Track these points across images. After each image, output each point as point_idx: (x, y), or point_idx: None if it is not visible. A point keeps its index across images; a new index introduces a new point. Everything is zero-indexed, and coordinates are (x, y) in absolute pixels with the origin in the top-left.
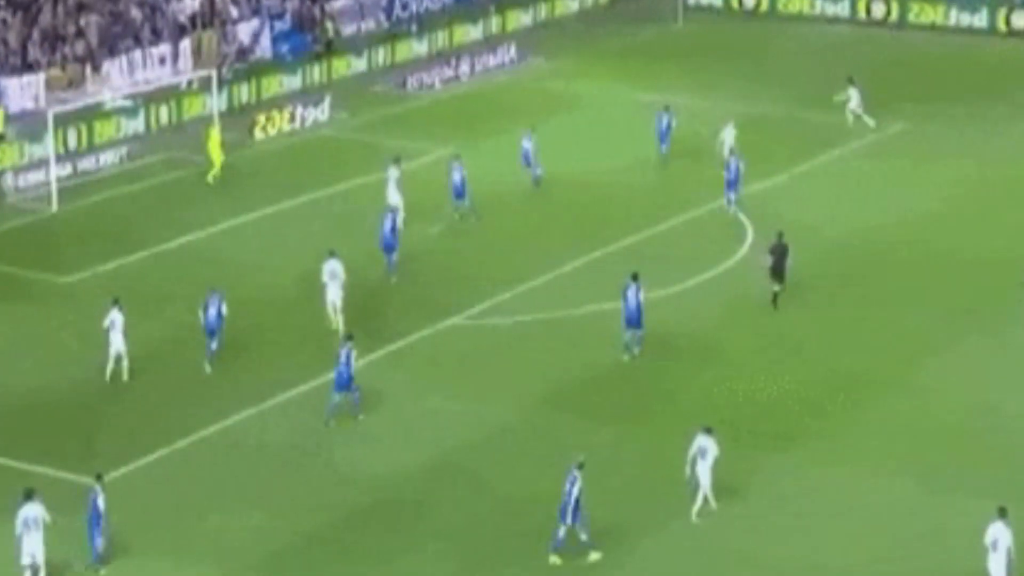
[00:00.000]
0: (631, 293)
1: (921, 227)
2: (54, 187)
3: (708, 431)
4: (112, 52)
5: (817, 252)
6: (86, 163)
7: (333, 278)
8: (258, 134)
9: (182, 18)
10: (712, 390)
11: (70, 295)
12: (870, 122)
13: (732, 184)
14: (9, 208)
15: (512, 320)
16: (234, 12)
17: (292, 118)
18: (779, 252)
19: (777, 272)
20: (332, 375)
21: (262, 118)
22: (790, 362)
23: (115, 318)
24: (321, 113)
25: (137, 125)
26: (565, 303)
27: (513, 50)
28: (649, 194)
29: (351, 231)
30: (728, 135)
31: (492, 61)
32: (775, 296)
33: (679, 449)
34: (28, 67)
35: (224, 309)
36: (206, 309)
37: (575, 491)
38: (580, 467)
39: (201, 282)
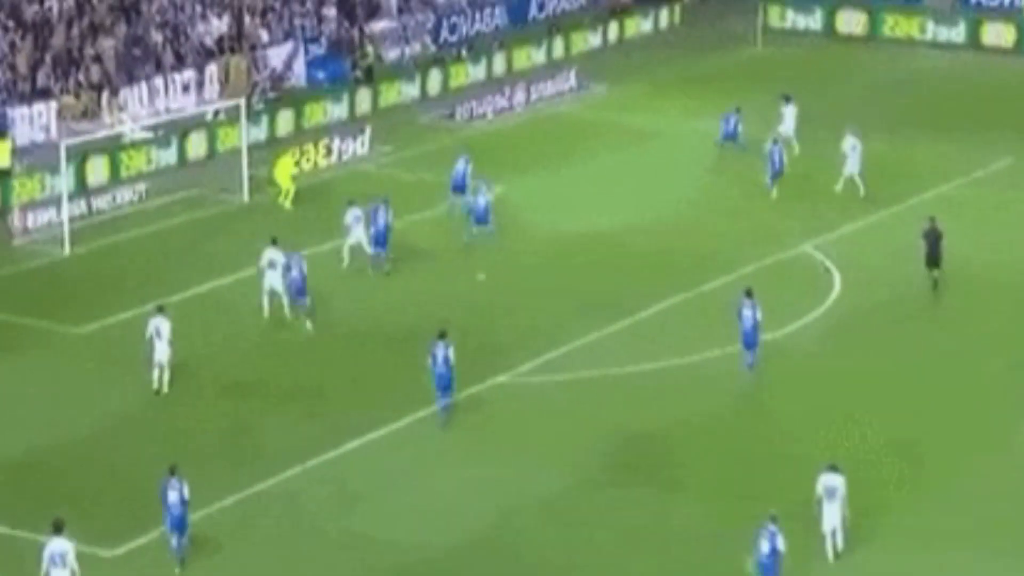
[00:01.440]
0: (747, 311)
1: None
2: (66, 227)
3: (834, 468)
4: (131, 79)
5: (910, 297)
6: (102, 201)
7: (272, 266)
8: (292, 169)
9: (208, 42)
10: (781, 461)
11: (84, 347)
12: (796, 147)
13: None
14: (17, 251)
15: (566, 378)
16: (264, 36)
17: (329, 152)
18: (933, 237)
19: (932, 258)
20: (378, 432)
21: (296, 152)
22: (868, 425)
23: (160, 325)
24: (361, 146)
25: (159, 159)
26: (626, 359)
27: (573, 77)
28: (721, 236)
29: (391, 280)
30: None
31: (550, 89)
32: (935, 283)
33: (750, 519)
34: (39, 95)
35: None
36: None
37: (777, 549)
38: (774, 520)
39: (224, 332)
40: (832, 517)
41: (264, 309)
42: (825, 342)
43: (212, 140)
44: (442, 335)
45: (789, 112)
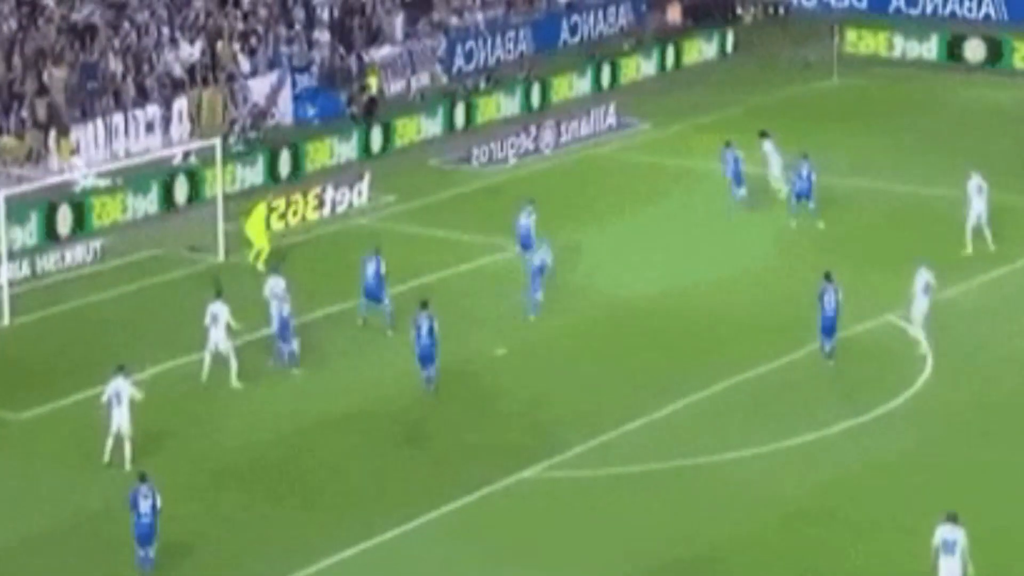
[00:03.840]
0: (828, 297)
1: None
2: (5, 293)
3: (953, 519)
4: (85, 115)
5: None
6: (48, 261)
7: (215, 322)
8: (275, 223)
9: (177, 71)
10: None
11: (27, 436)
12: (783, 190)
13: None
14: None
15: (603, 473)
16: (245, 64)
17: (320, 203)
18: None
19: None
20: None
21: (280, 203)
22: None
23: (120, 388)
24: (358, 196)
25: (116, 212)
26: (674, 452)
27: (612, 113)
28: (789, 301)
29: (394, 351)
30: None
31: (584, 127)
32: None
33: None
34: None
35: None
36: None
37: None
38: None
39: (195, 410)
40: (951, 573)
41: (204, 373)
42: (910, 430)
43: (181, 188)
44: (424, 305)
45: (771, 151)
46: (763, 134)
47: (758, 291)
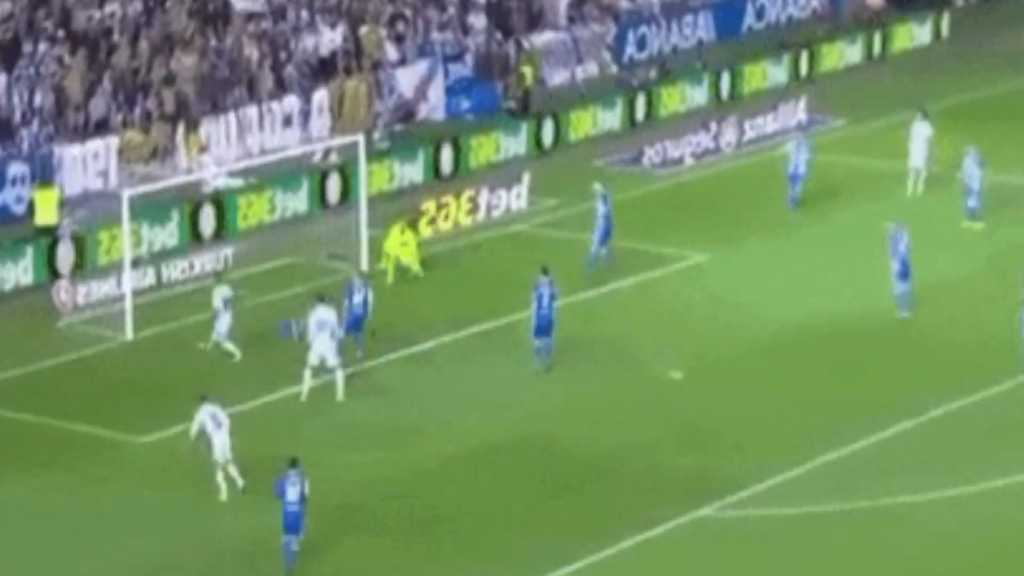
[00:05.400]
0: (900, 243)
1: None
2: (129, 304)
3: None
4: (215, 107)
5: None
6: (176, 269)
7: (322, 328)
8: (424, 230)
9: (317, 60)
10: None
11: (144, 463)
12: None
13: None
14: (64, 334)
15: (794, 512)
16: (392, 52)
17: (474, 207)
18: None
19: None
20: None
21: (430, 207)
22: None
23: (324, 317)
24: (516, 199)
25: (250, 215)
26: (868, 490)
27: (803, 108)
28: (1000, 324)
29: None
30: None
31: (771, 124)
32: None
33: None
34: (95, 129)
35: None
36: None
37: None
38: None
39: (318, 447)
40: None
41: (304, 390)
42: None
43: (320, 189)
44: (545, 271)
45: (922, 130)
46: (924, 114)
47: (956, 305)
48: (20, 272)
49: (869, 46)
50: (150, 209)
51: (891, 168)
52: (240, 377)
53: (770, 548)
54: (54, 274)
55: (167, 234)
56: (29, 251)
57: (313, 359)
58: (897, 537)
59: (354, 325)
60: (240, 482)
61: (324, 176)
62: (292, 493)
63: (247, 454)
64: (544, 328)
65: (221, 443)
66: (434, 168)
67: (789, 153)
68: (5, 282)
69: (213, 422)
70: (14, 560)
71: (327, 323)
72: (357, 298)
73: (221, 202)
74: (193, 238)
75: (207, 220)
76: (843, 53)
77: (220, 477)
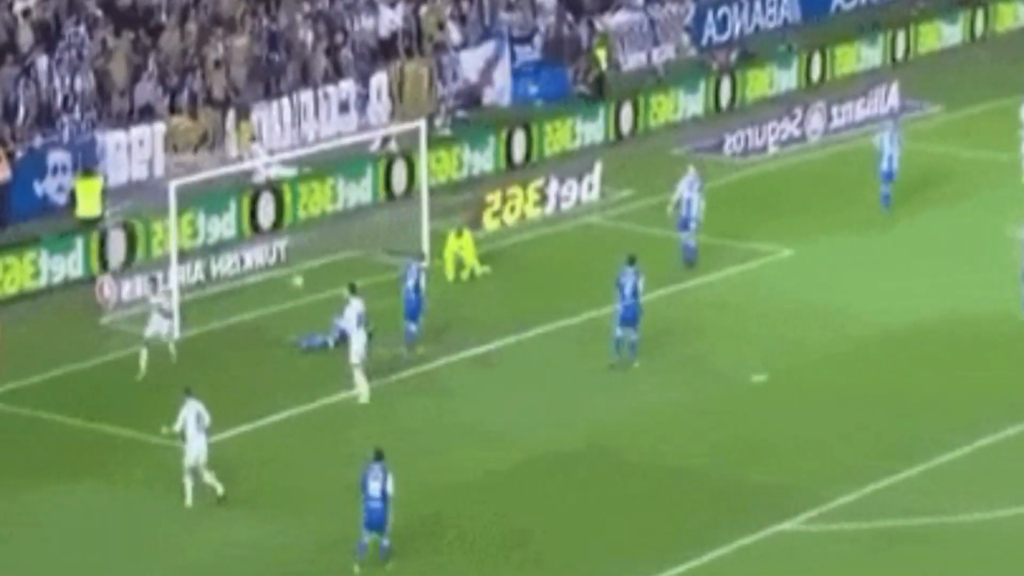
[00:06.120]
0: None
1: None
2: (175, 300)
3: None
4: (268, 92)
5: None
6: (226, 264)
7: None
8: (489, 223)
9: (376, 42)
10: None
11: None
12: None
13: None
14: (107, 331)
15: (879, 525)
16: (455, 34)
17: (542, 198)
18: None
19: None
20: None
21: (496, 198)
22: None
23: (361, 310)
24: (588, 190)
25: (304, 206)
26: (958, 505)
27: (895, 93)
28: None
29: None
30: None
31: (860, 111)
32: None
33: None
34: (140, 115)
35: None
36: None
37: None
38: None
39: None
40: None
41: (363, 392)
42: None
43: (379, 179)
44: (631, 260)
45: None
46: None
47: None
48: (69, 265)
49: (971, 26)
50: (205, 199)
51: (994, 158)
52: (293, 379)
53: (858, 561)
54: (104, 267)
55: (224, 225)
56: (78, 243)
57: (355, 358)
58: (980, 554)
59: (411, 314)
60: (219, 488)
61: (390, 164)
62: (374, 487)
63: (305, 458)
64: (630, 320)
65: (198, 447)
66: (506, 156)
67: (879, 146)
68: (54, 275)
69: (197, 423)
70: (61, 567)
71: (363, 316)
72: (410, 282)
73: (279, 192)
74: (252, 229)
75: (266, 210)
76: (941, 33)
77: (189, 482)
